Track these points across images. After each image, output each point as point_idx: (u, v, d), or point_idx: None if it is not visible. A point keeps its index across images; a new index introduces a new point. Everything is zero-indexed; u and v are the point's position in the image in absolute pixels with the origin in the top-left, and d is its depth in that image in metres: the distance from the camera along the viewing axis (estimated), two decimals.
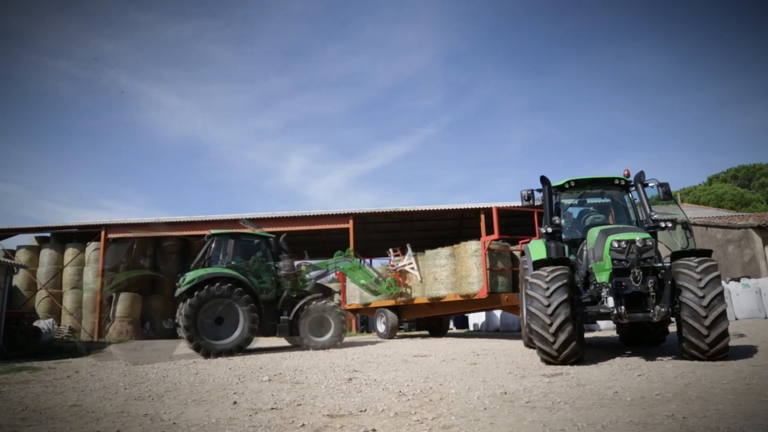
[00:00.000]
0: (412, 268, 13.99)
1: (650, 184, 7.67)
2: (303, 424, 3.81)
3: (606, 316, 6.60)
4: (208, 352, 9.84)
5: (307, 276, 11.86)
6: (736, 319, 13.35)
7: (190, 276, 10.28)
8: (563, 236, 7.82)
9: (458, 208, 21.20)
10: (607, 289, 6.47)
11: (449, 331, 18.05)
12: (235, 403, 4.79)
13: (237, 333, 10.22)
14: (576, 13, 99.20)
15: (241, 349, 10.22)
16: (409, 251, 14.20)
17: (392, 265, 14.68)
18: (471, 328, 21.39)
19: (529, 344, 8.61)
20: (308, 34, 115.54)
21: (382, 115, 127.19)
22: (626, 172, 7.87)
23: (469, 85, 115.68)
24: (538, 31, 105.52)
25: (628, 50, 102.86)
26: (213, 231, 11.33)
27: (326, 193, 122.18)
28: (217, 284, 10.08)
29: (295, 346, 11.46)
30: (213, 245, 11.01)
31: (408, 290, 14.28)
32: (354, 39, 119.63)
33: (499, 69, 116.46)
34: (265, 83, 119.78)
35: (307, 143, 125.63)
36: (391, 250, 15.17)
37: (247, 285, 10.54)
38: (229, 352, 10.00)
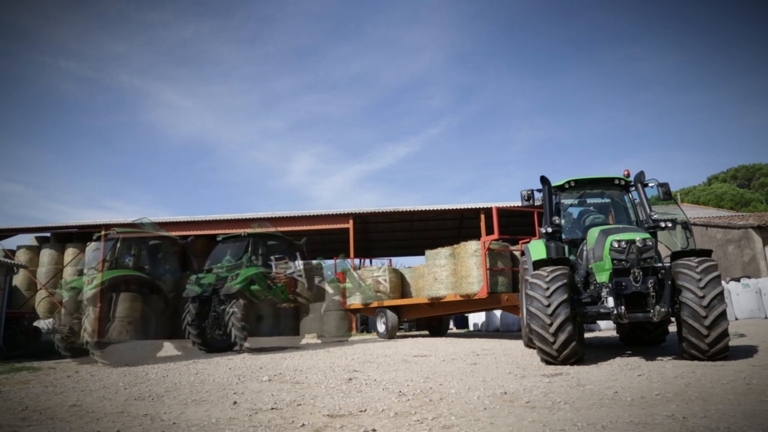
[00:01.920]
0: (300, 276, 14.07)
1: (650, 184, 7.67)
2: (303, 424, 3.81)
3: (606, 316, 6.59)
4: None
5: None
6: (736, 319, 13.35)
7: (103, 276, 9.74)
8: (563, 236, 7.82)
9: (458, 208, 21.20)
10: (607, 289, 6.47)
11: (449, 331, 18.04)
12: (235, 403, 4.78)
13: (150, 336, 9.89)
14: (581, 15, 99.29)
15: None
16: (298, 259, 14.30)
17: (278, 273, 14.65)
18: (471, 328, 21.39)
19: (529, 344, 8.61)
20: (315, 34, 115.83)
21: (389, 115, 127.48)
22: (626, 172, 7.87)
23: (476, 85, 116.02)
24: (544, 32, 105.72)
25: (632, 52, 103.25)
26: (118, 230, 10.90)
27: (331, 193, 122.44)
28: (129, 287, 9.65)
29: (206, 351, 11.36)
30: (119, 246, 10.62)
31: (300, 298, 14.36)
32: (361, 39, 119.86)
33: (506, 69, 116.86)
34: (272, 83, 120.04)
35: (313, 143, 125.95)
36: (274, 257, 15.11)
37: (159, 287, 10.29)
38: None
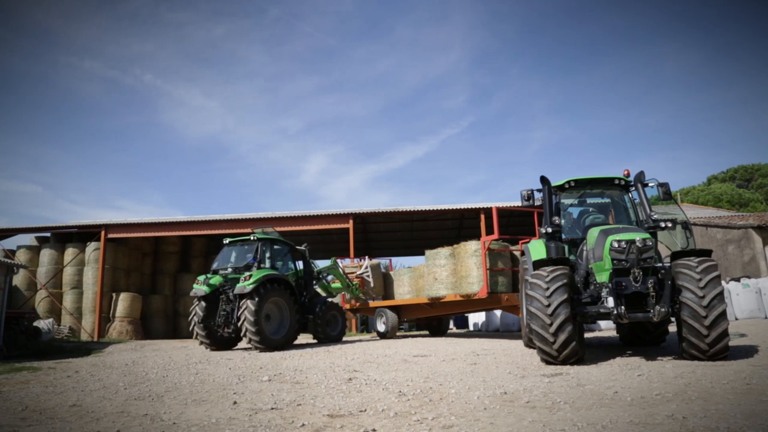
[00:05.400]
0: (368, 276, 15.17)
1: (650, 184, 7.66)
2: (303, 424, 3.81)
3: (606, 316, 6.59)
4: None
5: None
6: (736, 319, 13.35)
7: (257, 274, 11.02)
8: (563, 236, 7.81)
9: (458, 208, 21.17)
10: (607, 289, 6.47)
11: (449, 331, 18.05)
12: (235, 403, 4.78)
13: (285, 329, 11.63)
14: (592, 18, 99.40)
15: None
16: (367, 260, 15.54)
17: (351, 272, 15.71)
18: (471, 328, 21.39)
19: (529, 344, 8.61)
20: (339, 34, 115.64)
21: (407, 115, 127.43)
22: (626, 172, 7.87)
23: (494, 86, 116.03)
24: (564, 35, 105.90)
25: (638, 55, 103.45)
26: (257, 235, 12.09)
27: (342, 193, 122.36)
28: None
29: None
30: (260, 248, 11.85)
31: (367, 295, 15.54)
32: (384, 40, 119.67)
33: (525, 70, 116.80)
34: (295, 83, 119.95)
35: (330, 144, 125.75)
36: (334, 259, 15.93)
37: (293, 287, 11.89)
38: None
